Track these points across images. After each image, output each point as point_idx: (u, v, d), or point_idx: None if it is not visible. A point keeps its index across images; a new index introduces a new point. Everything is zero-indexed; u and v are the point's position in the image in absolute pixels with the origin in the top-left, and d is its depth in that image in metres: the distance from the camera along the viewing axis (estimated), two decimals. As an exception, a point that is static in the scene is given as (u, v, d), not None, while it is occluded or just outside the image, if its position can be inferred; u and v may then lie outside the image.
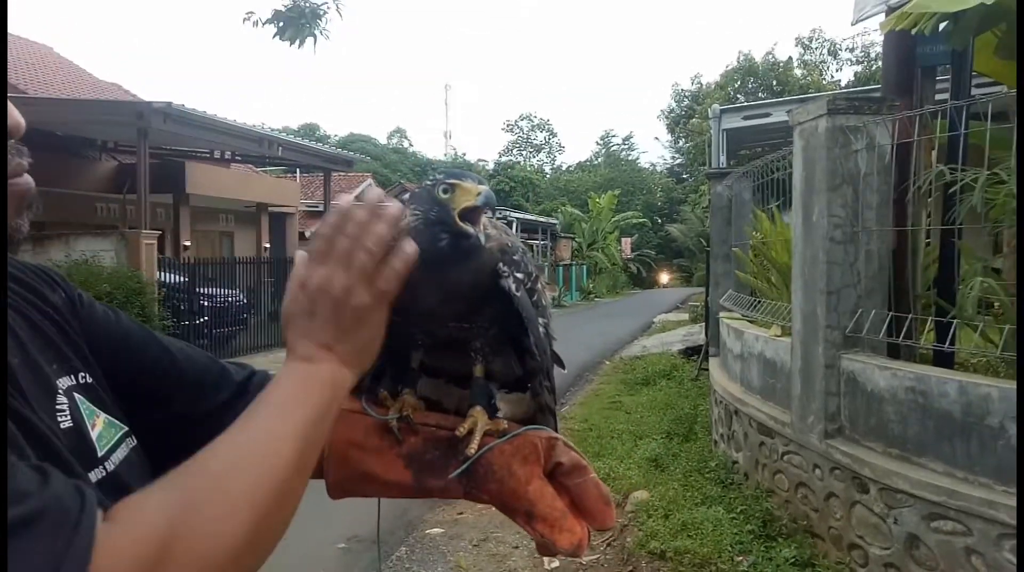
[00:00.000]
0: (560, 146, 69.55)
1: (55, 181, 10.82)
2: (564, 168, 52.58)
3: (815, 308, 3.27)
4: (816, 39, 36.63)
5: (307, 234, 19.33)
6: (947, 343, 2.87)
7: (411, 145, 52.01)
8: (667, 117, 43.27)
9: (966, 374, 2.84)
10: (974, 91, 3.34)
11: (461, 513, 4.36)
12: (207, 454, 0.53)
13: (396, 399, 0.71)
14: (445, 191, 0.62)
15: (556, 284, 24.09)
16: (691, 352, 9.71)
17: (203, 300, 10.51)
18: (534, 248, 24.98)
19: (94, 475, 0.57)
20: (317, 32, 7.34)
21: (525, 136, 55.10)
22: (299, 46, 7.35)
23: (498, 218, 0.70)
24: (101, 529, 0.46)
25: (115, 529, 0.47)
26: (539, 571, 3.56)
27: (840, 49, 35.70)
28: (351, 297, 0.59)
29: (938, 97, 3.48)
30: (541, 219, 28.14)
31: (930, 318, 3.03)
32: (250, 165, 16.12)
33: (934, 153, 3.21)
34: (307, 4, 7.28)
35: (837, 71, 36.31)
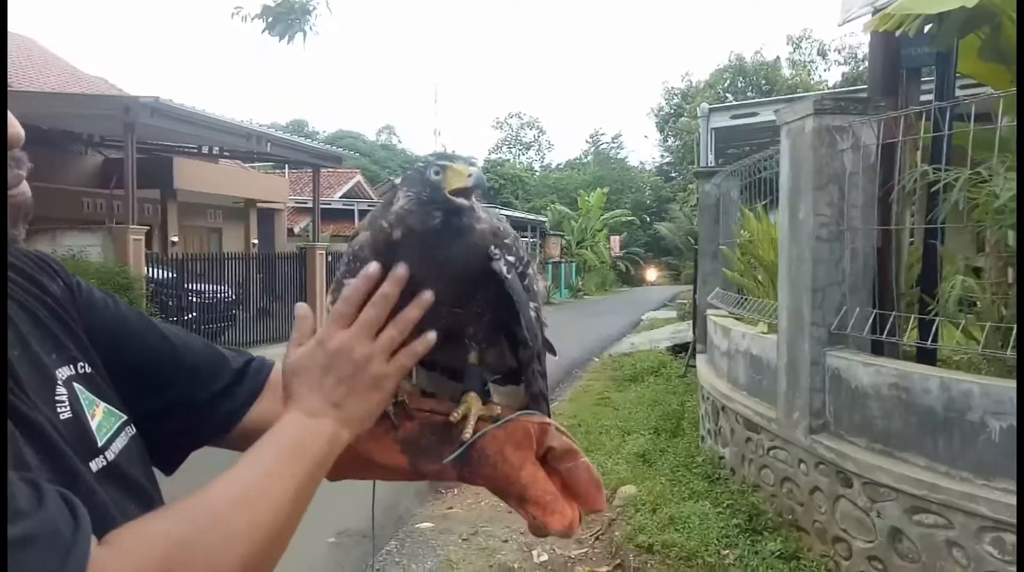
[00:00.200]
0: (549, 144, 69.67)
1: (40, 176, 10.54)
2: (553, 166, 52.59)
3: (801, 305, 3.31)
4: (806, 39, 36.89)
5: (296, 230, 19.24)
6: (930, 340, 2.92)
7: (400, 142, 51.80)
8: (656, 115, 43.40)
9: (948, 371, 2.90)
10: (958, 92, 3.40)
11: (451, 508, 4.38)
12: (210, 489, 0.55)
13: None
14: (436, 173, 0.64)
15: (545, 281, 24.12)
16: (679, 349, 9.77)
17: (191, 296, 10.43)
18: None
19: (95, 465, 0.57)
20: (306, 28, 7.31)
21: (514, 134, 55.06)
22: (288, 42, 7.32)
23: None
24: (100, 553, 0.47)
25: (115, 554, 0.48)
26: (528, 564, 3.59)
27: (829, 50, 35.98)
28: (371, 365, 0.62)
29: (923, 98, 3.53)
30: (530, 217, 28.12)
31: (913, 316, 3.08)
32: (238, 161, 16.01)
33: (919, 153, 3.25)
34: (296, -1, 7.24)
35: (825, 71, 36.61)
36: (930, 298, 3.12)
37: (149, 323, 0.74)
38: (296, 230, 19.42)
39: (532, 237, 27.59)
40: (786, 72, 36.09)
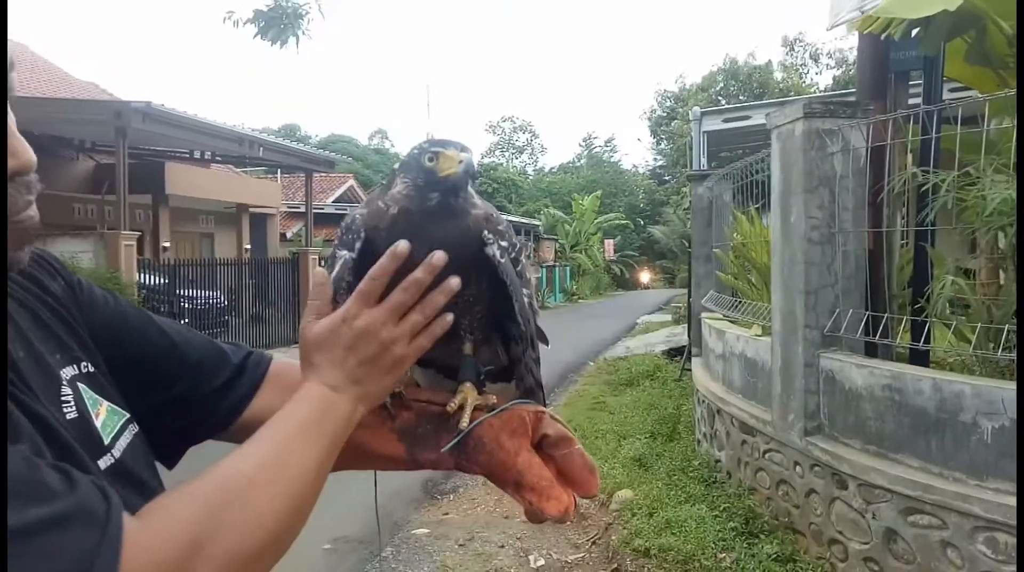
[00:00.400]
0: (542, 148, 69.86)
1: (31, 182, 10.59)
2: (546, 170, 52.68)
3: (794, 308, 3.33)
4: (799, 42, 37.14)
5: (288, 235, 19.20)
6: (922, 342, 2.94)
7: (392, 146, 51.84)
8: (649, 118, 43.55)
9: (940, 372, 2.91)
10: (945, 96, 3.43)
11: (447, 514, 4.37)
12: (233, 463, 0.55)
13: None
14: (430, 159, 0.67)
15: (539, 285, 24.14)
16: (674, 353, 9.79)
17: (184, 302, 10.40)
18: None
19: (102, 463, 0.58)
20: (299, 32, 7.31)
21: (507, 137, 55.15)
22: (281, 46, 7.32)
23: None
24: (132, 527, 0.48)
25: (146, 529, 0.49)
26: (525, 569, 3.58)
27: (821, 54, 36.23)
28: (394, 347, 0.63)
29: (911, 101, 3.56)
30: (524, 220, 28.15)
31: (905, 317, 3.10)
32: (230, 165, 15.96)
33: (910, 155, 3.28)
34: (289, 4, 7.25)
35: (817, 75, 36.85)
36: (922, 300, 3.15)
37: (150, 320, 0.75)
38: (289, 235, 19.39)
39: (526, 241, 27.62)
40: (778, 75, 36.31)
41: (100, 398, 0.62)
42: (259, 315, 12.20)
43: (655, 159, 45.38)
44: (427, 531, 4.11)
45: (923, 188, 3.03)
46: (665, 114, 41.35)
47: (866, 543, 2.88)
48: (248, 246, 16.38)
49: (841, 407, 3.09)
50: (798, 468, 3.34)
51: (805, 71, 36.95)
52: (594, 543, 3.82)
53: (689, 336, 7.72)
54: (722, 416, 4.37)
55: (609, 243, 34.94)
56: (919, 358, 3.07)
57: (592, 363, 10.72)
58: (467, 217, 0.68)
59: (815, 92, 27.79)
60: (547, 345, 0.77)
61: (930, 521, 2.58)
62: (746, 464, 3.95)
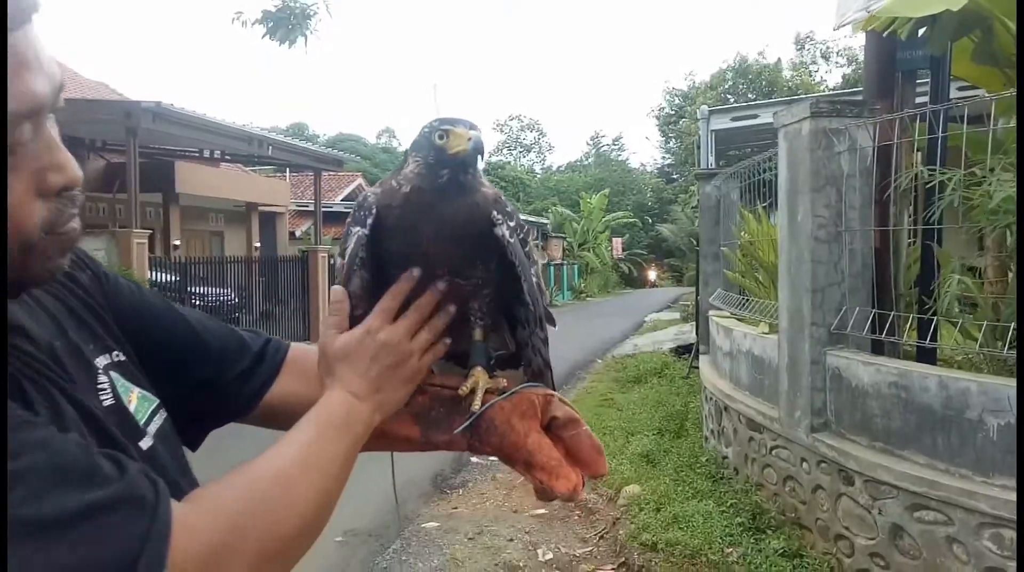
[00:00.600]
0: (550, 146, 69.77)
1: (44, 181, 10.68)
2: (554, 168, 52.62)
3: (801, 306, 3.35)
4: (809, 41, 36.92)
5: (297, 233, 19.29)
6: (928, 339, 2.96)
7: (400, 144, 51.83)
8: (658, 116, 43.40)
9: (946, 369, 2.93)
10: (953, 95, 3.44)
11: (456, 507, 4.41)
12: (268, 460, 0.61)
13: None
14: (441, 137, 0.70)
15: (548, 284, 24.14)
16: (682, 350, 9.80)
17: (194, 299, 10.48)
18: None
19: (143, 444, 0.61)
20: (307, 32, 7.36)
21: (515, 136, 55.12)
22: (289, 46, 7.37)
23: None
24: (181, 509, 0.51)
25: (194, 512, 0.52)
26: (533, 563, 3.63)
27: (831, 52, 36.01)
28: (411, 360, 0.71)
29: (918, 101, 3.57)
30: (532, 219, 28.15)
31: (912, 315, 3.12)
32: (239, 164, 16.05)
33: (917, 155, 3.29)
34: (297, 4, 7.29)
35: (827, 73, 36.63)
36: (928, 298, 3.16)
37: (173, 309, 0.78)
38: (298, 233, 19.47)
39: (534, 239, 27.56)
40: (787, 74, 36.10)
41: (131, 385, 0.65)
42: (269, 312, 12.29)
43: (663, 157, 45.26)
44: (437, 525, 4.16)
45: (929, 186, 3.04)
46: (674, 112, 41.20)
47: (872, 539, 2.90)
48: (258, 244, 16.47)
49: (848, 404, 3.12)
50: (805, 464, 3.37)
51: (815, 69, 36.76)
52: (602, 537, 3.86)
53: (697, 334, 7.74)
54: (729, 413, 4.39)
55: (617, 241, 34.89)
56: (926, 356, 3.08)
57: (600, 360, 10.74)
58: (476, 194, 0.71)
59: (824, 90, 27.65)
60: (553, 326, 0.80)
61: (936, 517, 2.60)
62: (753, 460, 3.97)
